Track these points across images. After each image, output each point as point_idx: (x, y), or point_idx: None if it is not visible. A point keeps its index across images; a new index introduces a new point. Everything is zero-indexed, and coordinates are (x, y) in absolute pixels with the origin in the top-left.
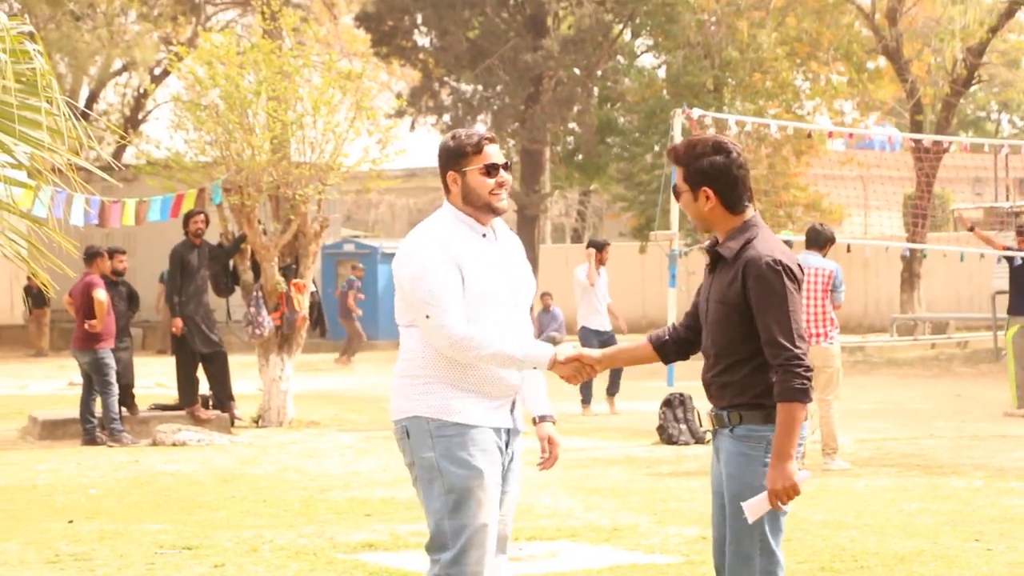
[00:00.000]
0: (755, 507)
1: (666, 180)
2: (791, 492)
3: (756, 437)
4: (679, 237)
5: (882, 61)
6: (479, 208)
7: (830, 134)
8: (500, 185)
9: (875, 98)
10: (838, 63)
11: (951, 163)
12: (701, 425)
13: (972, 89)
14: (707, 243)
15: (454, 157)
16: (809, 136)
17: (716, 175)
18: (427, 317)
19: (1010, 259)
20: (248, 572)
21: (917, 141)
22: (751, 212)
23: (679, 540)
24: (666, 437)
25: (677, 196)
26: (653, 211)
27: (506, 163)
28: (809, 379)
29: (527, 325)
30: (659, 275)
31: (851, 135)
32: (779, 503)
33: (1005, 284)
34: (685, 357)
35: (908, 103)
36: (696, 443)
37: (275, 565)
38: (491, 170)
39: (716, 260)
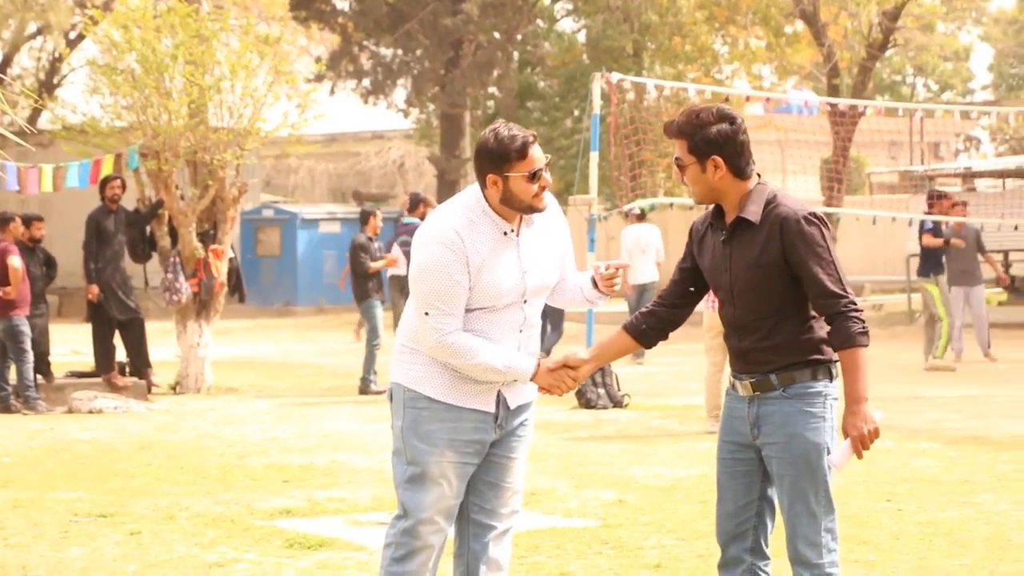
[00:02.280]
0: (841, 458)
1: (585, 144)
2: (874, 435)
3: (811, 393)
4: (598, 201)
5: (800, 25)
6: (519, 210)
7: (748, 98)
8: (543, 188)
9: (793, 62)
10: (756, 27)
11: (867, 127)
12: (619, 389)
13: (888, 53)
14: (701, 217)
15: (496, 160)
16: (727, 100)
17: (724, 142)
18: (426, 314)
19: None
20: (164, 540)
21: (833, 105)
22: (756, 176)
23: (596, 503)
24: (584, 401)
25: (681, 171)
26: (572, 176)
27: (547, 163)
28: (865, 322)
29: (535, 321)
30: (578, 239)
31: (768, 99)
32: (862, 448)
33: (918, 247)
34: (666, 338)
35: (825, 67)
36: (614, 407)
37: (191, 532)
38: (535, 175)
39: (736, 227)
